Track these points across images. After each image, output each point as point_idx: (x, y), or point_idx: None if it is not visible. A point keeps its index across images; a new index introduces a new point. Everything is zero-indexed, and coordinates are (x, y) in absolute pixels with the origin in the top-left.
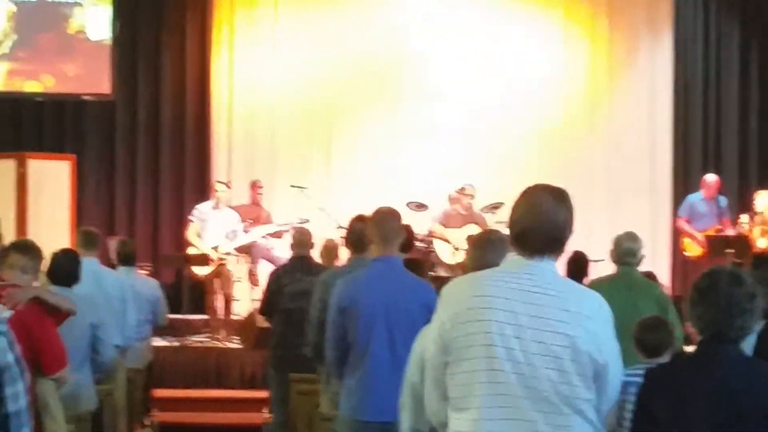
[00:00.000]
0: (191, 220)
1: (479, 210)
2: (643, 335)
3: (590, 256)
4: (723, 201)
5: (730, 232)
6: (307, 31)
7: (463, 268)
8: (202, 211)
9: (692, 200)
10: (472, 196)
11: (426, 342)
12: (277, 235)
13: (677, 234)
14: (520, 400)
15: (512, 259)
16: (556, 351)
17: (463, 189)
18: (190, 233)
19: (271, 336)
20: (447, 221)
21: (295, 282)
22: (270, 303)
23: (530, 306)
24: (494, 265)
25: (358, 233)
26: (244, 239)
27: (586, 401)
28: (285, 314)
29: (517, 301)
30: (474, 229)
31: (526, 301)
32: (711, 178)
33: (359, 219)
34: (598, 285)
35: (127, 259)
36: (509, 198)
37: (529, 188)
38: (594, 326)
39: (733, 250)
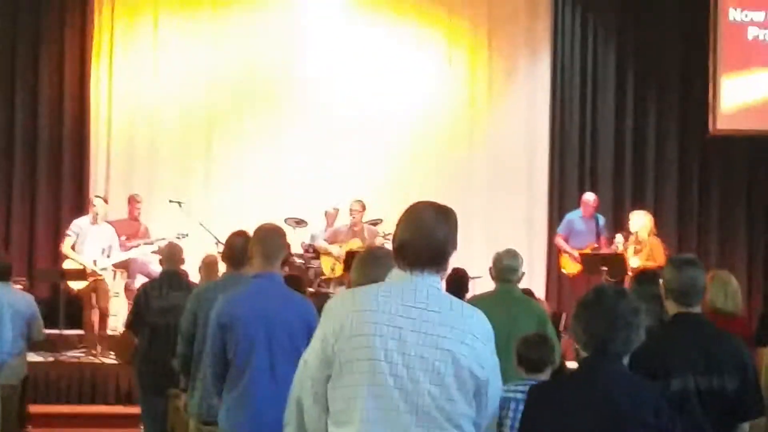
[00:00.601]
0: (68, 234)
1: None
2: (525, 351)
3: (468, 272)
4: (601, 220)
5: (606, 250)
6: (187, 44)
7: (348, 284)
8: (79, 225)
9: (570, 218)
10: (359, 211)
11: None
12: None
13: (553, 251)
14: (402, 415)
15: (395, 273)
16: (438, 366)
17: (352, 204)
18: (66, 247)
19: (137, 351)
20: (334, 237)
21: (162, 297)
22: (136, 317)
23: (413, 321)
24: (380, 280)
25: (236, 248)
26: (121, 256)
27: (466, 417)
28: (151, 329)
29: (400, 316)
30: (356, 244)
31: (409, 317)
32: (589, 196)
33: (238, 234)
34: (478, 302)
35: (1, 274)
36: (388, 213)
37: (413, 204)
38: (475, 342)
39: (606, 268)
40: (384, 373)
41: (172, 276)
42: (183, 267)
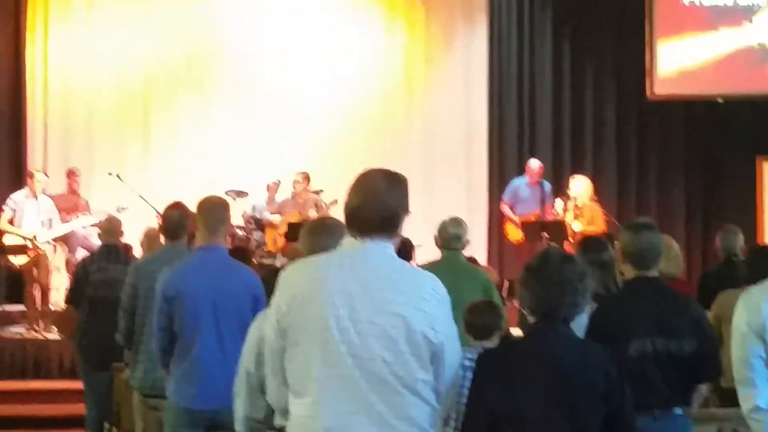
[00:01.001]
0: (4, 209)
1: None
2: (473, 318)
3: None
4: (547, 186)
5: (548, 216)
6: (123, 17)
7: (294, 255)
8: (16, 200)
9: (516, 185)
10: (302, 183)
11: (263, 329)
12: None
13: (494, 219)
14: (357, 382)
15: (347, 240)
16: (391, 332)
17: (295, 176)
18: (3, 221)
19: (77, 325)
20: (280, 209)
21: (101, 270)
22: (76, 292)
23: (365, 288)
24: (329, 249)
25: (173, 221)
26: (61, 229)
27: (423, 382)
28: (90, 303)
29: (351, 283)
30: (295, 217)
31: (361, 283)
32: (534, 163)
33: (174, 206)
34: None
35: None
36: (327, 184)
37: (364, 171)
38: (428, 307)
39: (547, 234)
40: (336, 340)
41: (111, 249)
42: (123, 240)
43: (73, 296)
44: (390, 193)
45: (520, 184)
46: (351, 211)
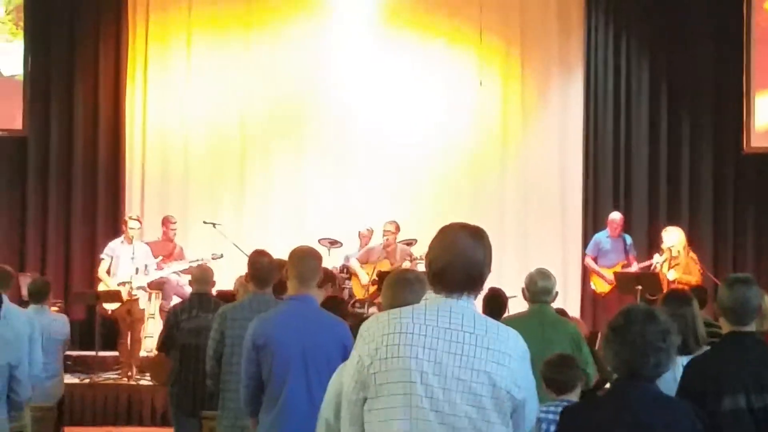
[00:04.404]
0: (103, 258)
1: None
2: (550, 373)
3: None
4: (628, 238)
5: (635, 268)
6: (220, 68)
7: (378, 305)
8: (113, 248)
9: (598, 238)
10: (392, 233)
11: (342, 379)
12: (189, 271)
13: (588, 271)
14: None
15: (431, 296)
16: (475, 388)
17: (385, 225)
18: (101, 271)
19: (170, 373)
20: (367, 256)
21: (191, 318)
22: (167, 339)
23: (449, 343)
24: (410, 303)
25: (262, 268)
26: (155, 274)
27: None
28: (181, 351)
29: (436, 339)
30: (386, 266)
31: (446, 339)
32: (615, 216)
33: (260, 254)
34: (511, 323)
35: (38, 296)
36: (421, 235)
37: (446, 226)
38: (512, 363)
39: (641, 287)
40: (420, 395)
41: (201, 297)
42: (217, 286)
43: (163, 343)
44: (476, 252)
45: (601, 237)
46: (438, 269)
